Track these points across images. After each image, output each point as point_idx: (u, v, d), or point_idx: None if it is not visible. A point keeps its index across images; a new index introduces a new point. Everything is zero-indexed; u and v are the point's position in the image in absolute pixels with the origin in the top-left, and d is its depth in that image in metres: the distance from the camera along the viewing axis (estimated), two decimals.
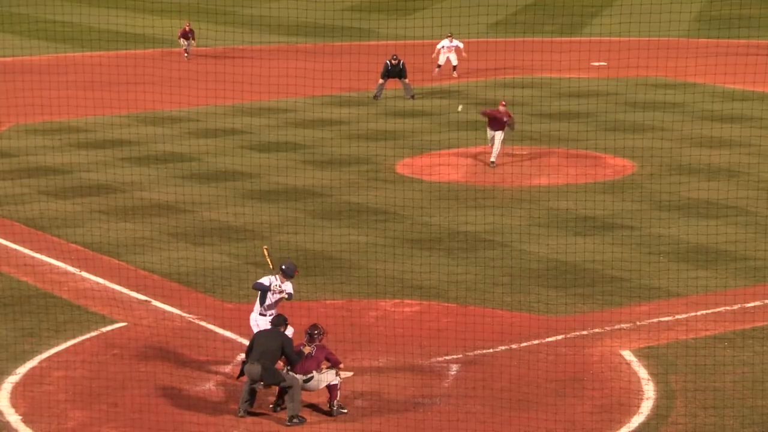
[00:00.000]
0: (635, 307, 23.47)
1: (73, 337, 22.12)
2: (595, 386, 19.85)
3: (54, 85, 43.99)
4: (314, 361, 18.76)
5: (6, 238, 28.13)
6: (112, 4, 74.38)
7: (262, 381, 18.58)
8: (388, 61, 45.05)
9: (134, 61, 51.56)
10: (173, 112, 42.48)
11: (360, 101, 44.98)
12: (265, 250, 20.56)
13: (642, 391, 19.69)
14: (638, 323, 22.66)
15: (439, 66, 49.49)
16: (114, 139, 38.74)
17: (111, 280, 25.18)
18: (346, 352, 20.75)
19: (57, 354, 21.38)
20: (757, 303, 23.79)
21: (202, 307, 23.54)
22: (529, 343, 21.67)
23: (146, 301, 24.05)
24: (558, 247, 26.90)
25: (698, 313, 23.18)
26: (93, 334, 22.29)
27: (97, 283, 25.08)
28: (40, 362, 21.03)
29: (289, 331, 19.04)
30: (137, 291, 24.54)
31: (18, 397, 19.66)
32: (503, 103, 34.61)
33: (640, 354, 21.15)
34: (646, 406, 19.14)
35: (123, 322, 22.87)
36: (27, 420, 18.86)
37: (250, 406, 18.82)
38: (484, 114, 34.65)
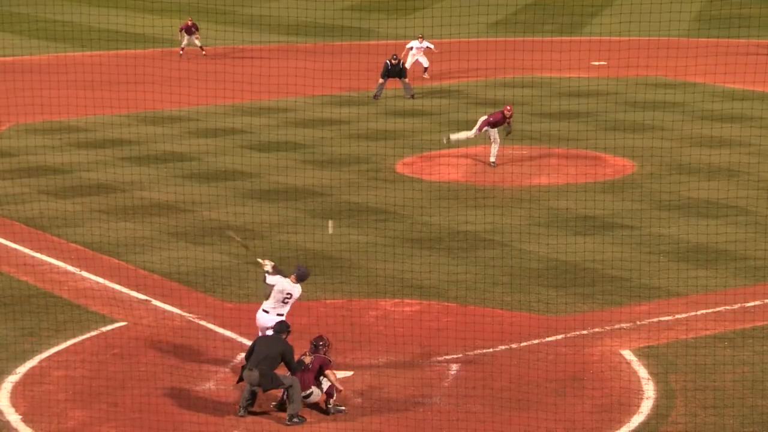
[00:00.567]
0: (635, 307, 23.47)
1: (73, 336, 22.12)
2: (595, 386, 19.85)
3: (54, 85, 43.98)
4: (311, 373, 18.71)
5: (6, 238, 28.13)
6: (112, 4, 74.33)
7: (260, 386, 18.60)
8: (388, 61, 45.04)
9: (134, 60, 51.53)
10: (173, 112, 42.48)
11: (360, 101, 44.97)
12: (232, 234, 20.74)
13: (642, 391, 19.69)
14: (638, 323, 22.67)
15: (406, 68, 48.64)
16: (114, 139, 38.75)
17: (111, 280, 25.19)
18: (346, 351, 20.76)
19: (57, 353, 21.38)
20: (757, 302, 23.79)
21: (202, 307, 23.54)
22: (529, 342, 21.67)
23: (146, 300, 24.05)
24: (558, 246, 26.90)
25: (698, 313, 23.18)
26: (93, 333, 22.30)
27: (97, 283, 25.08)
28: (40, 362, 21.03)
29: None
30: (137, 290, 24.54)
31: (18, 396, 19.66)
32: (509, 107, 34.39)
33: (640, 353, 21.15)
34: (646, 406, 19.15)
35: (123, 321, 22.87)
36: (27, 419, 18.86)
37: (251, 405, 18.83)
38: (488, 123, 34.11)
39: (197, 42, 54.80)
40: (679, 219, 29.11)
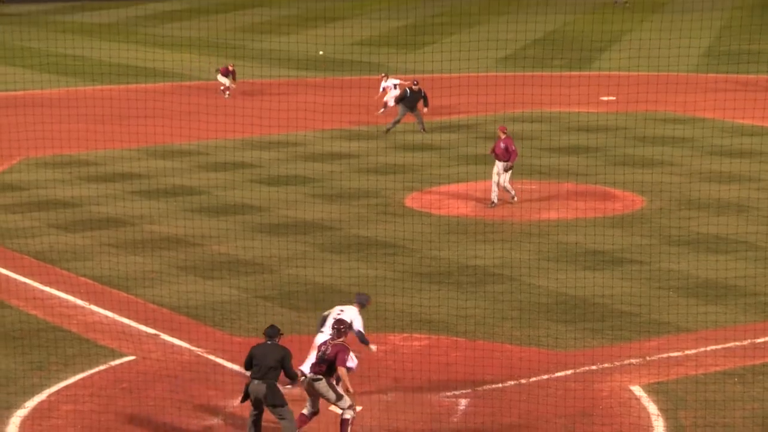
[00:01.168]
0: (645, 342, 23.40)
1: (82, 370, 22.10)
2: (605, 421, 19.78)
3: (65, 119, 44.18)
4: (325, 365, 18.74)
5: (15, 272, 28.17)
6: (123, 38, 74.75)
7: (265, 400, 18.45)
8: (408, 89, 44.73)
9: (144, 94, 51.74)
10: (183, 146, 42.59)
11: (369, 134, 45.07)
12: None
13: (652, 427, 19.61)
14: (648, 358, 22.60)
15: (385, 106, 48.46)
16: (124, 173, 38.85)
17: (120, 314, 25.19)
18: (354, 386, 20.70)
19: (66, 388, 21.37)
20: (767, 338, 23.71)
21: (210, 341, 23.52)
22: (538, 377, 21.61)
23: (155, 334, 24.05)
24: (567, 281, 26.86)
25: (708, 349, 23.10)
26: (102, 367, 22.28)
27: (106, 317, 25.09)
28: (49, 396, 21.02)
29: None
30: (146, 324, 24.54)
31: (27, 430, 19.63)
32: (503, 128, 34.01)
33: (649, 389, 21.08)
34: None
35: (132, 355, 22.86)
36: None
37: None
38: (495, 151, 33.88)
39: (227, 82, 54.04)
40: (688, 254, 29.07)
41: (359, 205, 34.30)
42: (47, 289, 26.88)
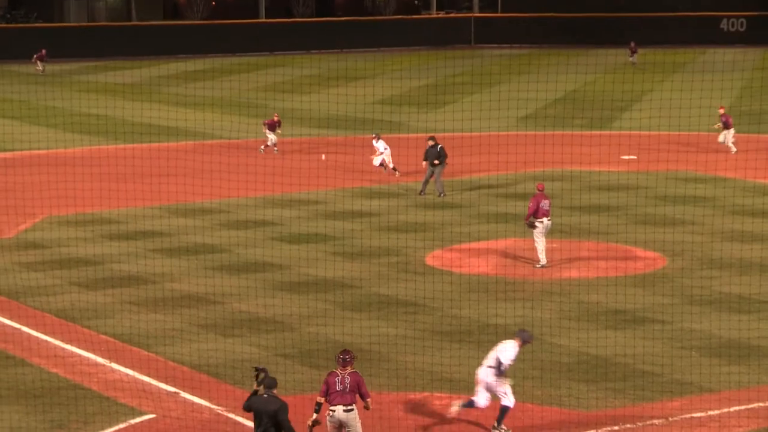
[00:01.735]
0: (667, 403, 23.24)
1: (102, 428, 22.05)
2: None
3: (87, 177, 44.41)
4: (350, 394, 19.02)
5: (37, 330, 28.21)
6: (146, 98, 75.30)
7: None
8: (438, 146, 44.14)
9: (167, 152, 52.01)
10: (204, 204, 42.74)
11: (390, 193, 45.14)
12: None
13: None
14: (670, 419, 22.42)
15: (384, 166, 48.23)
16: (145, 231, 38.97)
17: (140, 372, 25.17)
18: None
19: None
20: None
21: (231, 399, 23.46)
22: None
23: (175, 392, 24.00)
24: (589, 340, 26.73)
25: (731, 409, 22.92)
26: (121, 426, 22.23)
27: (127, 375, 25.06)
28: None
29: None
30: (166, 382, 24.50)
31: None
32: (541, 186, 33.99)
33: None
34: None
35: (152, 413, 22.81)
36: None
37: None
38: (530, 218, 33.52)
39: (274, 138, 54.01)
40: (711, 314, 28.91)
41: (380, 264, 34.29)
42: (68, 347, 26.89)
